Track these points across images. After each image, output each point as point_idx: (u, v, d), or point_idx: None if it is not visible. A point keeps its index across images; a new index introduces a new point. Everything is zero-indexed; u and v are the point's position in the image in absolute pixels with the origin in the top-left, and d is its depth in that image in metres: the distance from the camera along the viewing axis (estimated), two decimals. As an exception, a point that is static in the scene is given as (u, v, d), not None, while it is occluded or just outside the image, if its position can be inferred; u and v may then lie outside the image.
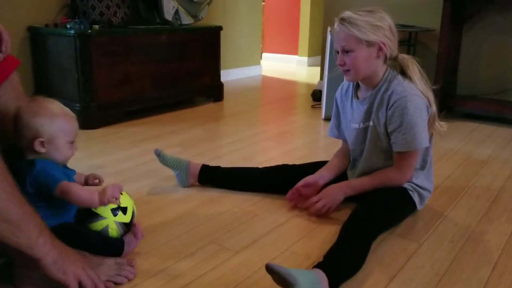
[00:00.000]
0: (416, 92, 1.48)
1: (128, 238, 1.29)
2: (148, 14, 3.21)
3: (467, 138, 2.64)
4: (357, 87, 1.62)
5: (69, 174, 1.27)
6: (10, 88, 1.23)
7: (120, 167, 2.07)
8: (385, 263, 1.33)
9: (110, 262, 1.21)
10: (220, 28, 3.46)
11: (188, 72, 3.23)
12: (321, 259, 1.28)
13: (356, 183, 1.59)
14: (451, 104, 3.11)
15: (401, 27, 3.14)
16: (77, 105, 2.63)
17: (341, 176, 1.70)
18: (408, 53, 3.24)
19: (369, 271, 1.26)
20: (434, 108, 1.51)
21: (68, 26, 2.66)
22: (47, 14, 2.90)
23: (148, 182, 1.90)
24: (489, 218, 1.64)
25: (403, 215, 1.58)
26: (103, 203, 1.22)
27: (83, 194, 1.19)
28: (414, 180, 1.57)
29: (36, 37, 2.82)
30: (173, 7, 3.15)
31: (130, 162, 2.14)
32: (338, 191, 1.58)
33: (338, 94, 1.70)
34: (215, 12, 4.06)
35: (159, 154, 1.81)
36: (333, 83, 2.80)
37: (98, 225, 1.24)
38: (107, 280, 1.17)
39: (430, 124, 1.52)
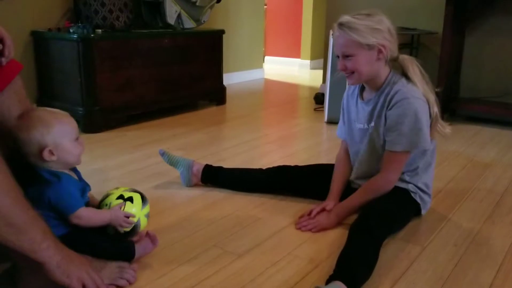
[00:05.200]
0: (418, 95, 1.48)
1: (144, 242, 1.30)
2: (151, 18, 3.22)
3: (470, 140, 2.63)
4: (362, 88, 1.62)
5: (85, 189, 1.28)
6: (13, 92, 1.23)
7: (122, 171, 2.07)
8: (389, 266, 1.33)
9: (112, 266, 1.21)
10: (222, 31, 3.46)
11: (190, 76, 3.23)
12: (324, 263, 1.28)
13: (346, 205, 1.57)
14: (454, 107, 3.10)
15: (403, 30, 3.14)
16: (80, 109, 2.64)
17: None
18: (410, 56, 3.23)
19: (372, 275, 1.25)
20: (435, 109, 1.51)
21: (71, 30, 2.67)
22: (50, 19, 2.91)
23: (150, 185, 1.90)
24: (492, 221, 1.63)
25: (409, 217, 1.58)
26: (113, 223, 1.25)
27: (96, 217, 1.24)
28: (418, 183, 1.57)
29: (39, 42, 2.83)
30: (176, 11, 3.16)
31: (133, 165, 2.14)
32: (332, 219, 1.56)
33: (345, 94, 1.70)
34: (217, 16, 4.07)
35: (163, 153, 1.88)
36: (336, 86, 2.80)
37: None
38: (110, 283, 1.18)
39: (432, 125, 1.52)
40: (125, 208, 1.27)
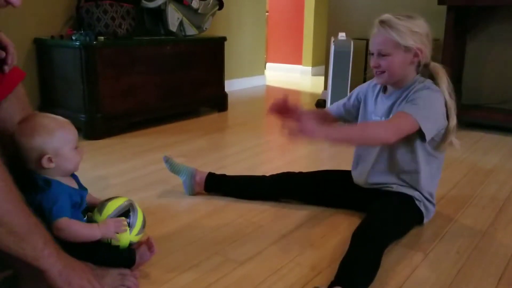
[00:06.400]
0: (441, 95, 1.48)
1: (142, 251, 1.30)
2: (153, 25, 3.24)
3: (472, 147, 2.63)
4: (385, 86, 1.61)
5: (82, 194, 1.27)
6: (16, 100, 1.24)
7: (124, 178, 2.07)
8: (391, 273, 1.32)
9: (114, 273, 1.21)
10: (224, 38, 3.48)
11: (192, 83, 3.24)
12: (326, 270, 1.28)
13: (340, 129, 1.48)
14: (456, 113, 3.10)
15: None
16: (82, 116, 2.64)
17: (345, 182, 1.70)
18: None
19: (374, 282, 1.25)
20: (454, 120, 1.52)
21: (73, 37, 2.68)
22: (53, 26, 2.93)
23: (152, 192, 1.90)
24: (495, 228, 1.63)
25: (411, 225, 1.58)
26: (105, 237, 1.21)
27: (83, 231, 1.19)
28: (423, 191, 1.56)
29: (42, 49, 2.84)
30: (178, 18, 3.17)
31: (135, 172, 2.14)
32: (320, 126, 1.33)
33: (366, 85, 1.68)
34: (219, 23, 4.08)
35: (167, 160, 1.87)
36: (337, 93, 2.81)
37: None
38: (111, 291, 1.17)
39: (448, 136, 1.52)
40: (112, 240, 1.24)
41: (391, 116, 1.52)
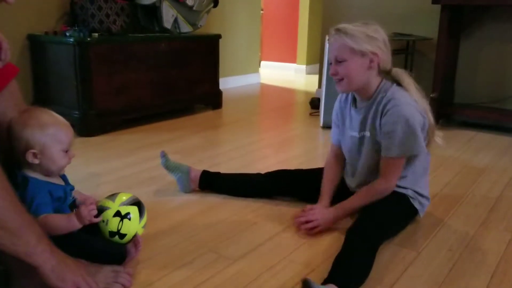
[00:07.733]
0: (410, 102, 1.48)
1: (128, 247, 1.29)
2: (147, 22, 3.23)
3: (465, 146, 2.64)
4: (355, 96, 1.62)
5: (65, 188, 1.26)
6: (9, 96, 1.23)
7: (118, 175, 2.06)
8: (384, 271, 1.33)
9: (107, 270, 1.21)
10: (219, 36, 3.47)
11: (187, 80, 3.24)
12: (320, 267, 1.28)
13: (346, 205, 1.57)
14: (449, 112, 3.12)
15: (398, 36, 3.15)
16: (76, 112, 2.63)
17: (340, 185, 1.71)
18: (405, 61, 3.26)
19: (368, 280, 1.26)
20: (431, 118, 1.52)
21: (67, 34, 2.67)
22: (47, 22, 2.91)
23: (146, 190, 1.90)
24: (487, 227, 1.64)
25: (406, 223, 1.59)
26: (83, 224, 1.19)
27: (61, 223, 1.17)
28: (416, 188, 1.57)
29: (36, 45, 2.82)
30: (172, 15, 3.16)
31: (128, 169, 2.14)
32: (329, 214, 1.56)
33: (337, 101, 1.70)
34: (214, 20, 4.08)
35: (164, 156, 1.86)
36: (332, 91, 2.81)
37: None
38: (105, 287, 1.17)
39: (430, 134, 1.53)
40: (123, 227, 1.24)
41: (367, 132, 1.54)
